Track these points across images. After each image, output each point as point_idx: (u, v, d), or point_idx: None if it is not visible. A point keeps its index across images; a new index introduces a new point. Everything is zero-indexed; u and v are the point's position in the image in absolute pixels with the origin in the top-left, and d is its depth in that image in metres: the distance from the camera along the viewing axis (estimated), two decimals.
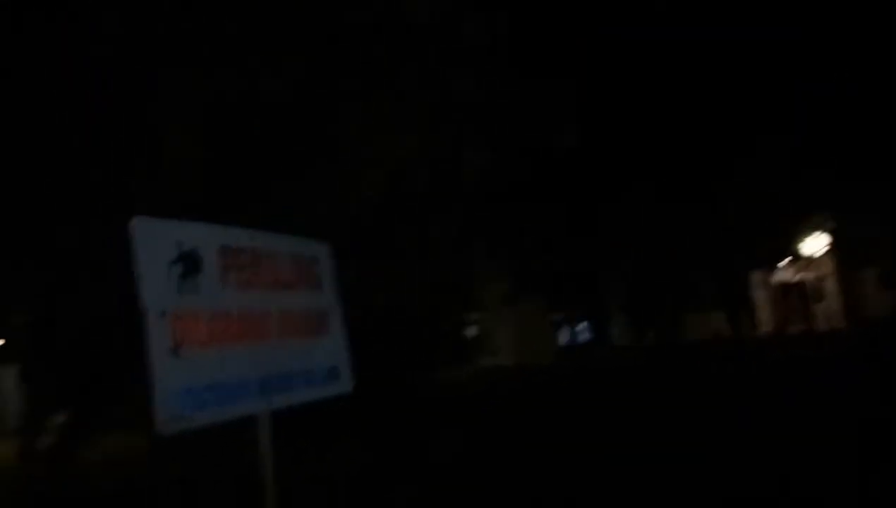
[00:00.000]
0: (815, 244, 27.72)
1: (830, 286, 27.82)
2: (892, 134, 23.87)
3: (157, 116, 4.57)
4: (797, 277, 30.79)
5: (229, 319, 3.28)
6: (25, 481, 6.29)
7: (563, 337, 51.90)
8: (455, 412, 8.23)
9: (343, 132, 5.08)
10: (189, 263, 3.10)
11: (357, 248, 4.93)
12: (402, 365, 6.01)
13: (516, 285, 28.70)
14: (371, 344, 5.32)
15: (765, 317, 32.17)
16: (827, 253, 27.40)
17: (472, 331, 37.86)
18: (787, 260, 30.53)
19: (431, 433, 6.24)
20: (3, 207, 5.26)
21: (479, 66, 5.53)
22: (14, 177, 5.21)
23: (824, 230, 27.11)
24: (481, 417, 8.53)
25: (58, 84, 4.45)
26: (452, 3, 5.54)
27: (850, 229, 25.79)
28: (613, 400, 11.08)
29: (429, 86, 5.37)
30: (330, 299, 4.10)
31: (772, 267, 31.15)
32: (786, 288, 31.94)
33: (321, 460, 5.70)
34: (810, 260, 28.63)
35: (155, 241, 2.98)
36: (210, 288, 3.19)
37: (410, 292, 5.51)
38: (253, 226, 3.78)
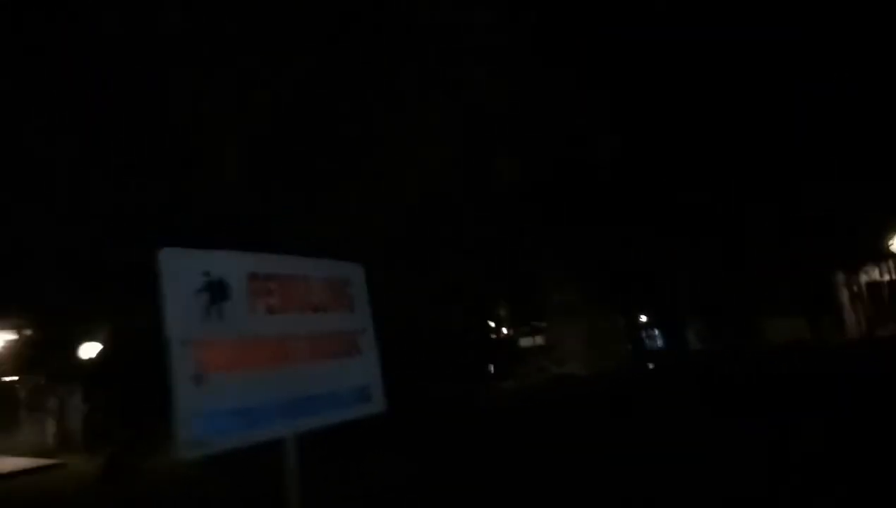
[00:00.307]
0: None
1: None
2: None
3: (209, 131, 4.74)
4: (886, 277, 29.02)
5: (256, 345, 3.36)
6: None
7: (638, 343, 50.65)
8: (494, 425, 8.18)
9: (380, 139, 5.15)
10: (216, 292, 3.20)
11: (395, 259, 4.98)
12: (438, 378, 5.99)
13: (585, 292, 28.23)
14: (411, 358, 5.35)
15: (851, 320, 30.44)
16: None
17: (537, 341, 37.52)
18: (875, 259, 28.85)
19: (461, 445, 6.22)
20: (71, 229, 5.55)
21: (513, 74, 5.49)
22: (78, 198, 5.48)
23: None
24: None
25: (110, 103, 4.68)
26: (487, 11, 5.52)
27: None
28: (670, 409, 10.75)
29: (463, 94, 5.36)
30: (362, 320, 4.14)
31: (858, 266, 29.47)
32: (874, 288, 30.14)
33: (364, 473, 5.76)
34: None
35: (181, 271, 3.09)
36: (237, 316, 3.28)
37: (448, 303, 5.50)
38: (295, 236, 3.85)
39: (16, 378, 15.66)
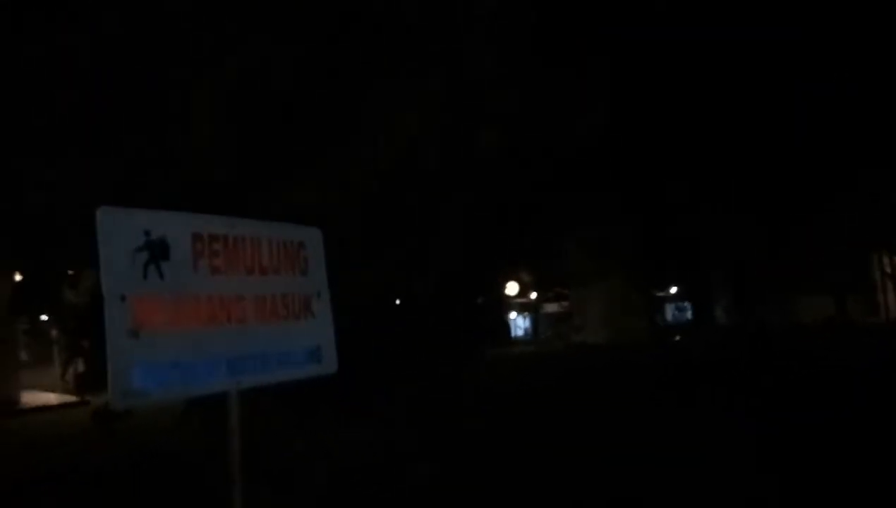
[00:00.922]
0: None
1: None
2: None
3: (176, 102, 4.84)
4: None
5: (197, 303, 3.49)
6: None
7: (666, 315, 50.25)
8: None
9: (352, 110, 5.18)
10: (155, 250, 3.32)
11: (366, 229, 5.06)
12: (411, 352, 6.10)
13: (608, 261, 27.98)
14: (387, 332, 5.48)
15: (886, 301, 29.66)
16: None
17: (553, 309, 37.52)
18: None
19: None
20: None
21: (497, 43, 5.42)
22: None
23: None
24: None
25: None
26: None
27: None
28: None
29: (441, 64, 5.33)
30: (316, 283, 4.25)
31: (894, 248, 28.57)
32: None
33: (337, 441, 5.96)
34: None
35: (120, 229, 3.22)
36: (178, 274, 3.41)
37: (422, 277, 5.57)
38: (266, 209, 3.95)
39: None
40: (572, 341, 27.78)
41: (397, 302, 5.66)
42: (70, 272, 7.57)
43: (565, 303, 35.74)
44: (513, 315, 45.67)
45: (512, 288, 37.50)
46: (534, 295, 39.84)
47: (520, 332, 44.86)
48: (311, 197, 5.05)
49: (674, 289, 48.18)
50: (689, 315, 46.96)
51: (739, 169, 28.27)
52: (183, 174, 4.99)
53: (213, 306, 3.57)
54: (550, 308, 38.91)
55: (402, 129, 5.22)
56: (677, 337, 32.92)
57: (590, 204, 21.17)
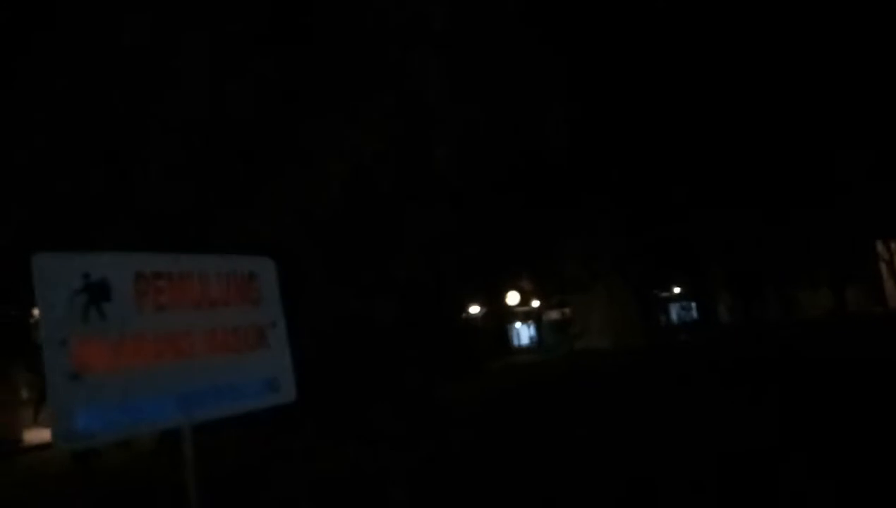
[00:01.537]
0: None
1: None
2: None
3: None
4: None
5: (143, 341, 3.53)
6: None
7: (671, 315, 50.07)
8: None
9: (302, 133, 5.22)
10: (95, 292, 3.36)
11: (325, 253, 5.10)
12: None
13: (609, 264, 27.93)
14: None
15: (891, 291, 29.48)
16: None
17: (555, 316, 37.42)
18: None
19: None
20: None
21: (450, 56, 5.45)
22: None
23: None
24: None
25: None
26: None
27: None
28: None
29: (394, 82, 5.38)
30: (271, 313, 4.28)
31: None
32: None
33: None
34: None
35: (58, 274, 3.26)
36: (120, 314, 3.45)
37: (376, 296, 5.59)
38: (224, 240, 3.99)
39: None
40: (575, 347, 27.70)
41: (360, 325, 5.68)
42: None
43: (566, 310, 35.65)
44: (517, 324, 45.60)
45: (513, 298, 37.47)
46: (536, 303, 39.77)
47: (525, 341, 44.76)
48: (267, 225, 5.09)
49: (678, 289, 48.07)
50: (693, 314, 46.81)
51: (729, 162, 28.25)
52: (138, 210, 5.04)
53: (159, 343, 3.61)
54: (553, 315, 38.83)
55: (354, 152, 5.27)
56: (683, 337, 32.80)
57: (578, 209, 21.17)
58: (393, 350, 6.03)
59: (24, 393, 20.53)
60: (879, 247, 29.42)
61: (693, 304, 47.89)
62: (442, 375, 9.36)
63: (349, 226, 5.40)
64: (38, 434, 20.73)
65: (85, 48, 4.97)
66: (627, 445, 6.82)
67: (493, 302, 35.56)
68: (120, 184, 5.00)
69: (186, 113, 4.93)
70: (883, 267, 29.82)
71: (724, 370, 13.27)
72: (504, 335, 39.56)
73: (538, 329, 43.13)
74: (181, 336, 3.73)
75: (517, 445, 7.09)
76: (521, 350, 40.57)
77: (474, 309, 35.51)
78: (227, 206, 5.12)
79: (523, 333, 45.07)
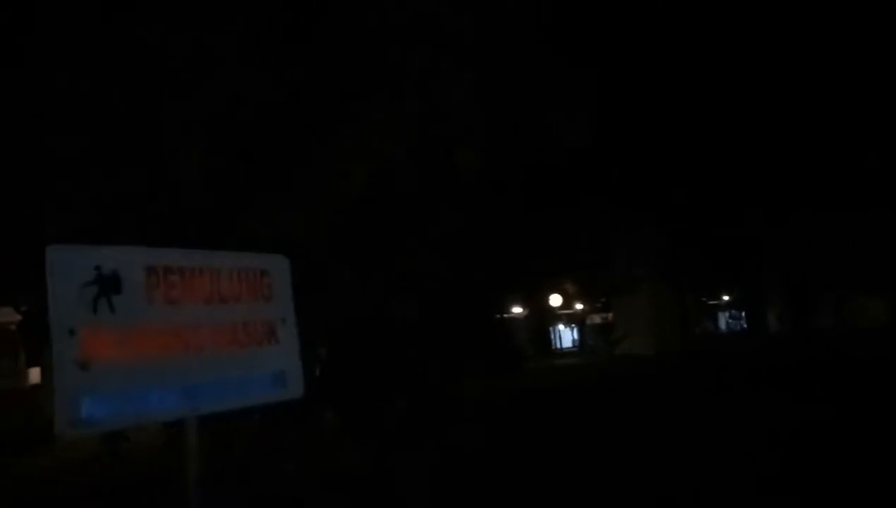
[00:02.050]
0: None
1: None
2: None
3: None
4: None
5: (151, 334, 3.62)
6: None
7: (717, 324, 48.87)
8: None
9: (328, 134, 5.27)
10: (106, 284, 3.46)
11: (348, 252, 5.14)
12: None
13: (653, 270, 27.42)
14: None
15: None
16: None
17: (597, 320, 36.93)
18: None
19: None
20: None
21: (475, 63, 5.42)
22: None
23: None
24: None
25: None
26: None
27: None
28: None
29: (419, 86, 5.38)
30: (281, 309, 4.34)
31: None
32: None
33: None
34: None
35: (70, 266, 3.37)
36: (130, 307, 3.54)
37: (397, 296, 5.60)
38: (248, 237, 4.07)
39: None
40: (616, 352, 27.27)
41: (381, 323, 5.72)
42: None
43: (609, 315, 35.17)
44: (560, 326, 45.24)
45: (556, 300, 37.17)
46: (579, 306, 39.38)
47: (567, 344, 44.36)
48: (289, 225, 5.16)
49: (727, 297, 46.89)
50: (743, 323, 45.54)
51: (787, 166, 27.38)
52: (161, 206, 5.16)
53: (168, 336, 3.69)
54: (595, 319, 38.37)
55: (377, 153, 5.29)
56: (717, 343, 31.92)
57: (620, 211, 20.85)
58: (415, 347, 6.05)
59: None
60: None
61: (742, 313, 46.65)
62: (473, 374, 9.32)
63: (370, 225, 5.43)
64: None
65: (102, 45, 5.10)
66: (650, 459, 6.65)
67: (536, 303, 35.34)
68: (142, 183, 5.13)
69: (208, 111, 5.03)
70: None
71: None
72: (546, 336, 39.27)
73: (580, 332, 42.67)
74: (190, 329, 3.81)
75: (530, 449, 7.02)
76: (563, 352, 40.21)
77: (517, 310, 35.40)
78: (249, 207, 5.20)
79: (565, 336, 44.66)
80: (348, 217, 5.20)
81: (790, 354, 20.21)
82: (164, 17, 4.99)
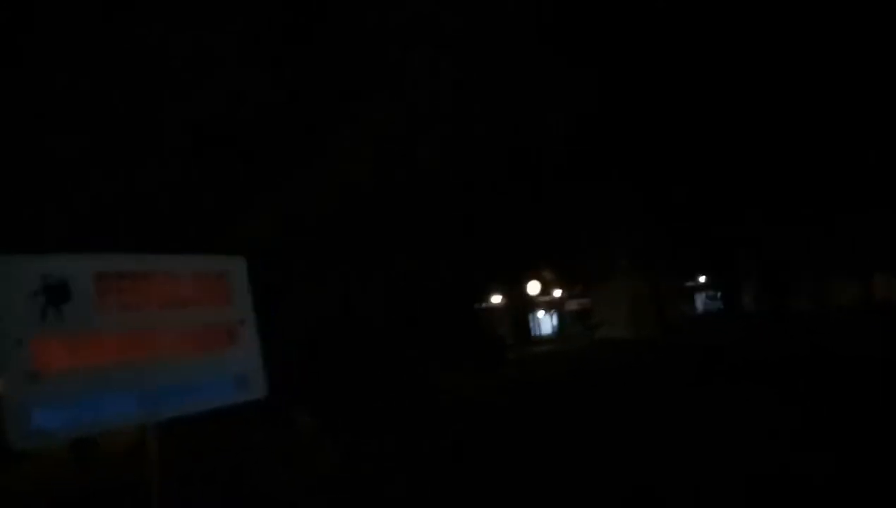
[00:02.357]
0: None
1: None
2: None
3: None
4: None
5: (104, 341, 3.58)
6: None
7: (696, 306, 49.45)
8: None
9: (328, 131, 5.23)
10: (54, 293, 3.41)
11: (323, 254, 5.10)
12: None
13: (627, 255, 27.62)
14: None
15: None
16: None
17: (576, 306, 37.17)
18: None
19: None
20: None
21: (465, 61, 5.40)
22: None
23: None
24: None
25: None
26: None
27: None
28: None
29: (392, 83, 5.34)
30: (241, 311, 4.30)
31: None
32: None
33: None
34: None
35: (15, 276, 3.31)
36: (80, 315, 3.49)
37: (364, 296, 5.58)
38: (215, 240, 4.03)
39: None
40: (595, 337, 27.50)
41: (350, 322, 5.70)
42: None
43: (585, 300, 35.42)
44: (539, 314, 45.44)
45: (534, 288, 37.32)
46: (558, 293, 39.61)
47: (547, 331, 44.58)
48: (261, 228, 5.12)
49: (704, 278, 47.41)
50: (720, 304, 46.09)
51: (756, 155, 27.64)
52: (134, 212, 5.09)
53: (122, 342, 3.65)
54: (573, 305, 38.63)
55: (351, 155, 5.26)
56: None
57: (593, 199, 20.97)
58: (387, 346, 6.04)
59: None
60: None
61: (718, 295, 47.16)
62: (457, 368, 9.33)
63: (341, 227, 5.41)
64: None
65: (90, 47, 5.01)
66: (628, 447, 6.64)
67: (514, 292, 35.47)
68: (119, 185, 5.06)
69: (207, 111, 4.95)
70: None
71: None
72: (525, 324, 39.44)
73: (559, 318, 42.94)
74: (146, 335, 3.77)
75: (511, 441, 7.05)
76: (542, 339, 40.42)
77: (496, 299, 35.48)
78: (222, 210, 5.15)
79: (545, 323, 44.90)
80: (320, 219, 5.17)
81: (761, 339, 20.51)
82: (164, 18, 4.90)
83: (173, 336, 3.90)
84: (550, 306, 43.67)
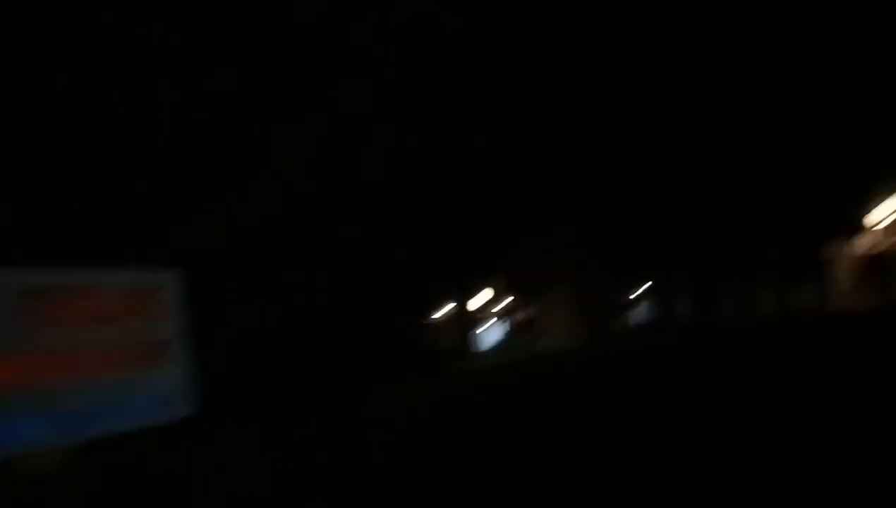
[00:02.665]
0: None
1: None
2: None
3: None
4: (878, 247, 28.71)
5: (20, 360, 3.47)
6: None
7: (636, 315, 50.78)
8: None
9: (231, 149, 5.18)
10: None
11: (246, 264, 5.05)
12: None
13: (567, 267, 28.13)
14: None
15: (842, 291, 30.22)
16: None
17: (518, 318, 37.57)
18: (871, 227, 28.50)
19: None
20: None
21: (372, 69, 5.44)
22: None
23: None
24: None
25: None
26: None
27: None
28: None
29: (321, 94, 5.35)
30: (170, 328, 4.24)
31: (851, 236, 29.10)
32: (866, 259, 29.85)
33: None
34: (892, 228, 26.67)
35: None
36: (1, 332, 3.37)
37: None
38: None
39: None
40: (537, 348, 27.83)
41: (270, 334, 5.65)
42: None
43: (528, 312, 35.80)
44: (485, 325, 45.51)
45: (478, 301, 37.48)
46: (499, 307, 39.87)
47: (491, 342, 44.66)
48: (190, 237, 5.02)
49: (641, 289, 48.76)
50: (652, 313, 47.50)
51: (683, 166, 28.55)
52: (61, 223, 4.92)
53: (40, 361, 3.54)
54: (517, 317, 38.94)
55: (280, 166, 5.23)
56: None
57: (530, 213, 21.33)
58: (322, 358, 5.98)
59: None
60: (829, 248, 30.20)
61: (652, 303, 48.61)
62: (389, 380, 9.28)
63: (269, 236, 5.35)
64: None
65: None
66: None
67: (459, 304, 35.58)
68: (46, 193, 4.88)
69: (126, 122, 4.83)
70: (835, 267, 30.59)
71: None
72: (467, 337, 39.55)
73: (505, 331, 43.22)
74: (67, 353, 3.67)
75: (443, 455, 7.04)
76: (486, 352, 40.61)
77: (442, 311, 35.46)
78: (157, 220, 5.03)
79: (493, 333, 45.08)
80: (249, 230, 5.11)
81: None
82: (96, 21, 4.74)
83: (97, 355, 3.81)
84: (501, 315, 43.84)
